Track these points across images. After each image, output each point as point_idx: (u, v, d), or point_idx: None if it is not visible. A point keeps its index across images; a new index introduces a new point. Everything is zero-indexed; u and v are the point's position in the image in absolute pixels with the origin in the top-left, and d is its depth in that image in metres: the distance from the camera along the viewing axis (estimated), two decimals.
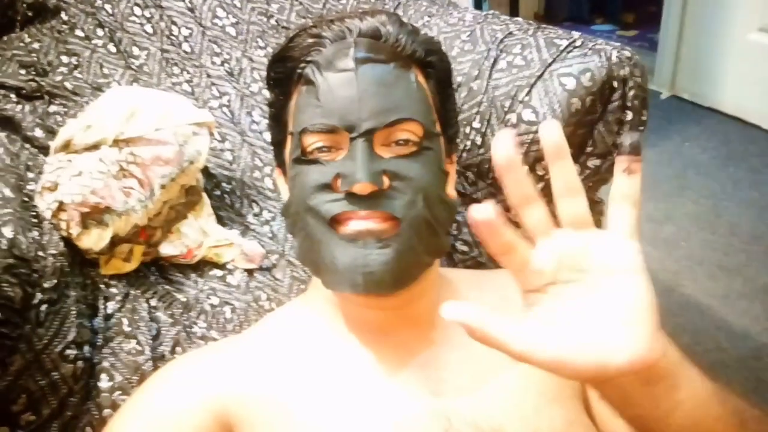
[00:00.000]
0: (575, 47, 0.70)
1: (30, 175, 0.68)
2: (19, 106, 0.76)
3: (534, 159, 0.67)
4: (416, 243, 0.51)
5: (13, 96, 0.76)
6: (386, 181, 0.50)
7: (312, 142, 0.53)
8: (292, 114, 0.56)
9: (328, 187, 0.51)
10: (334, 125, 0.51)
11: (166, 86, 0.81)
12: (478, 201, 0.74)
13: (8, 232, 0.57)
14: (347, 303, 0.55)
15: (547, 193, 0.68)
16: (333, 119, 0.51)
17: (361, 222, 0.50)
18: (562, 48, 0.70)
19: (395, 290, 0.51)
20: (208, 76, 0.83)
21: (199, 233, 0.71)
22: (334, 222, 0.51)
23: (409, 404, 0.52)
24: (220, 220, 0.74)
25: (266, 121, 0.80)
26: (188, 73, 0.83)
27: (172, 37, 0.84)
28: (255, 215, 0.76)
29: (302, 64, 0.55)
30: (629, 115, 0.68)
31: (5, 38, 0.81)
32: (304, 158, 0.53)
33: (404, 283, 0.51)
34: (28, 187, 0.66)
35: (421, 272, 0.53)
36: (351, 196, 0.50)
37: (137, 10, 0.84)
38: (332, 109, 0.51)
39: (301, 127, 0.53)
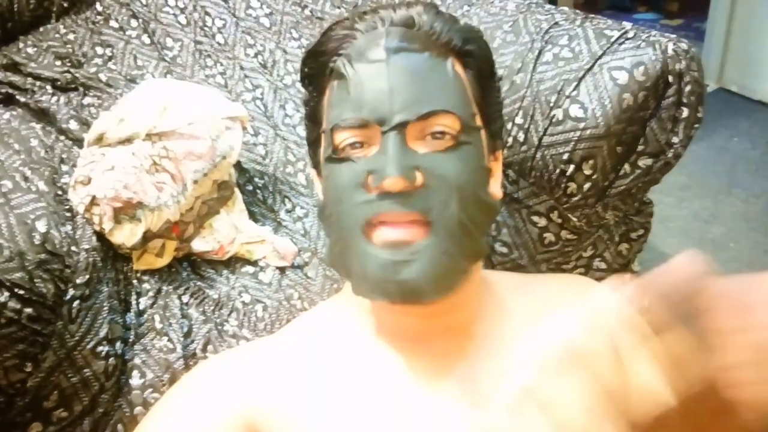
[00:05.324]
0: (627, 39, 0.65)
1: (64, 167, 0.68)
2: (54, 98, 0.75)
3: (581, 158, 0.64)
4: (450, 247, 0.48)
5: (48, 87, 0.76)
6: (419, 177, 0.47)
7: (343, 138, 0.50)
8: (324, 111, 0.54)
9: (360, 186, 0.49)
10: (364, 118, 0.49)
11: (199, 78, 0.80)
12: (518, 200, 0.72)
13: (42, 226, 0.57)
14: (382, 309, 0.53)
15: (593, 194, 0.65)
16: (363, 112, 0.49)
17: (392, 231, 0.48)
18: (613, 39, 0.65)
19: (433, 298, 0.48)
20: (242, 68, 0.81)
21: (231, 229, 0.70)
22: (367, 226, 0.49)
23: (447, 416, 0.49)
24: (252, 216, 0.73)
25: (299, 114, 0.78)
26: (221, 65, 0.81)
27: (206, 29, 0.83)
28: (287, 211, 0.74)
29: (334, 58, 0.52)
30: (685, 112, 0.64)
31: (41, 29, 0.81)
32: (336, 156, 0.51)
33: (442, 290, 0.49)
34: (63, 180, 0.66)
35: (460, 278, 0.50)
36: (383, 195, 0.48)
37: (171, 1, 0.83)
38: (362, 101, 0.49)
39: (332, 124, 0.51)
